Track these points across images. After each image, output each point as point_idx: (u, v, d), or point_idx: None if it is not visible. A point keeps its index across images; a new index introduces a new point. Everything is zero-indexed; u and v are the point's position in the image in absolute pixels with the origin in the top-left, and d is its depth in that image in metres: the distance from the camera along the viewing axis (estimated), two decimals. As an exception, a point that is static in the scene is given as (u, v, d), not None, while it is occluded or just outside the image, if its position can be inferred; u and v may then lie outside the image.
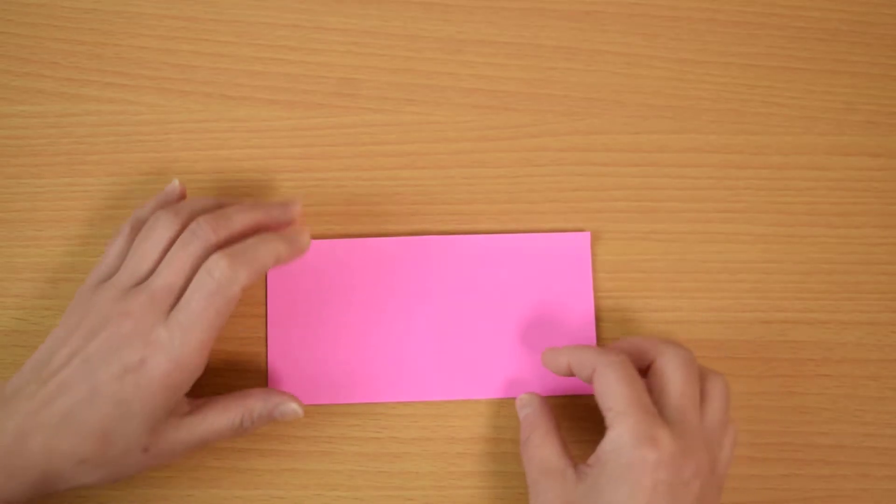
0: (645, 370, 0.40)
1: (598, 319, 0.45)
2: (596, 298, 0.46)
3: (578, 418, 0.44)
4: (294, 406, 0.41)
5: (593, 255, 0.46)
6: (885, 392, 0.45)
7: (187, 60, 0.47)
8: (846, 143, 0.48)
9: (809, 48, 0.49)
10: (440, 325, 0.45)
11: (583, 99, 0.48)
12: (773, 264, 0.46)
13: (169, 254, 0.39)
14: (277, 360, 0.44)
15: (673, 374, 0.39)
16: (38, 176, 0.46)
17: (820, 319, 0.46)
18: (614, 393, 0.38)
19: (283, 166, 0.46)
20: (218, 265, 0.37)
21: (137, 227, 0.41)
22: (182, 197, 0.43)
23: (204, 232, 0.39)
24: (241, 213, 0.40)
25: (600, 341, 0.45)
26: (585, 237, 0.46)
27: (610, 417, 0.38)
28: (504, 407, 0.44)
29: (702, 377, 0.40)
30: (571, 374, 0.41)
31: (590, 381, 0.40)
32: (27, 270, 0.45)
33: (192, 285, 0.38)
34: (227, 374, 0.44)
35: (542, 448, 0.40)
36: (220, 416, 0.40)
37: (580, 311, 0.45)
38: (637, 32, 0.49)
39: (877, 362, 0.46)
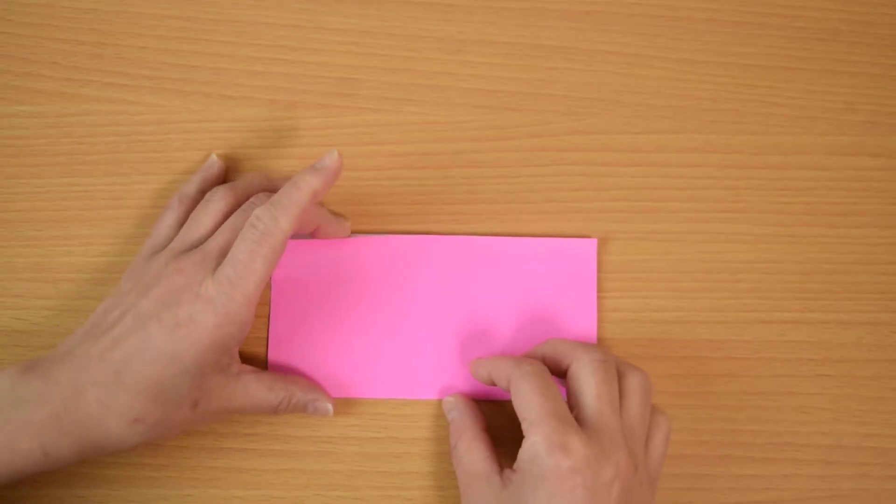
0: (563, 374, 0.41)
1: (598, 321, 0.45)
2: (597, 299, 0.46)
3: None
4: (329, 406, 0.43)
5: (593, 255, 0.46)
6: (885, 392, 0.45)
7: (187, 60, 0.47)
8: (846, 143, 0.48)
9: (809, 48, 0.49)
10: (442, 325, 0.45)
11: (583, 99, 0.48)
12: (773, 264, 0.46)
13: (226, 223, 0.40)
14: (277, 358, 0.44)
15: (587, 378, 0.39)
16: (38, 176, 0.46)
17: (820, 319, 0.46)
18: (527, 403, 0.38)
19: (283, 166, 0.46)
20: (259, 217, 0.38)
21: (185, 201, 0.43)
22: (221, 171, 0.45)
23: (261, 201, 0.40)
24: (298, 198, 0.40)
25: (601, 342, 0.45)
26: (592, 244, 0.46)
27: (525, 427, 0.38)
28: (503, 406, 0.44)
29: (620, 375, 0.40)
30: (494, 385, 0.42)
31: (508, 390, 0.40)
32: (27, 270, 0.45)
33: (236, 240, 0.38)
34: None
35: (469, 454, 0.41)
36: (264, 392, 0.41)
37: (582, 317, 0.45)
38: (637, 32, 0.49)
39: (877, 362, 0.46)
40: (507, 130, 0.47)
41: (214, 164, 0.45)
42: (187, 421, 0.39)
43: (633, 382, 0.40)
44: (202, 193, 0.44)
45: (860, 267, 0.47)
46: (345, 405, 0.44)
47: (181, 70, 0.47)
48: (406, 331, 0.45)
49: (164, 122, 0.47)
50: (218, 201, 0.42)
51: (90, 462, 0.43)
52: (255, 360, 0.45)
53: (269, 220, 0.38)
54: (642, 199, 0.47)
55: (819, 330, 0.46)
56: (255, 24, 0.48)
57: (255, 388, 0.41)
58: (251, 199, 0.41)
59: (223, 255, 0.39)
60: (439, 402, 0.44)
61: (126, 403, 0.37)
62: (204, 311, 0.38)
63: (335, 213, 0.45)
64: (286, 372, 0.44)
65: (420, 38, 0.48)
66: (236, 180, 0.44)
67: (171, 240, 0.42)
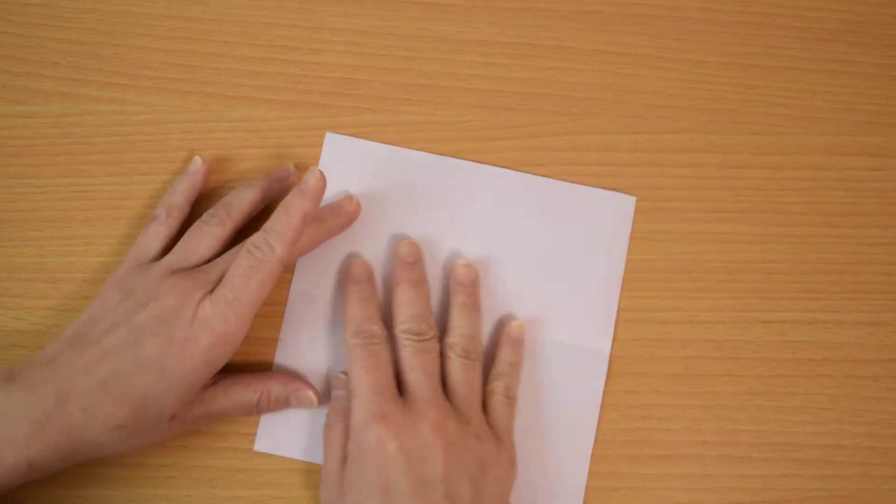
0: None
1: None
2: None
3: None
4: (310, 394, 0.43)
5: (593, 255, 0.46)
6: (885, 392, 0.45)
7: (187, 60, 0.47)
8: (846, 143, 0.48)
9: (809, 48, 0.49)
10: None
11: (583, 99, 0.48)
12: (773, 264, 0.46)
13: (235, 264, 0.39)
14: (284, 361, 0.44)
15: (402, 352, 0.42)
16: (38, 176, 0.46)
17: (820, 319, 0.46)
18: (351, 377, 0.41)
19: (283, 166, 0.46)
20: (256, 244, 0.39)
21: (172, 213, 0.43)
22: (206, 175, 0.45)
23: (269, 248, 0.40)
24: (297, 230, 0.41)
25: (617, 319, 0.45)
26: (630, 201, 0.46)
27: (350, 403, 0.41)
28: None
29: (445, 348, 0.43)
30: None
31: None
32: (27, 270, 0.45)
33: (233, 265, 0.39)
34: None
35: (340, 439, 0.41)
36: (241, 391, 0.42)
37: (607, 274, 0.45)
38: (637, 32, 0.49)
39: (877, 362, 0.46)
40: (507, 130, 0.47)
41: (199, 169, 0.45)
42: (163, 432, 0.39)
43: (455, 346, 0.42)
44: (189, 203, 0.44)
45: (860, 267, 0.47)
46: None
47: (181, 70, 0.47)
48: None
49: (164, 122, 0.47)
50: (216, 226, 0.42)
51: (90, 462, 0.43)
52: (263, 365, 0.45)
53: (265, 247, 0.39)
54: (642, 199, 0.47)
55: (819, 330, 0.46)
56: (255, 24, 0.48)
57: (233, 391, 0.41)
58: (256, 241, 0.40)
59: (220, 278, 0.40)
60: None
61: (109, 412, 0.37)
62: (200, 331, 0.38)
63: (334, 206, 0.45)
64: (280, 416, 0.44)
65: (420, 38, 0.48)
66: (228, 197, 0.44)
67: (158, 253, 0.42)
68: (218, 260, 0.41)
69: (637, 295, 0.46)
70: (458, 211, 0.46)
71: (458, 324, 0.43)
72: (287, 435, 0.44)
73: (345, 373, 0.43)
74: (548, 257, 0.45)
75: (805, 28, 0.49)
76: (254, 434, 0.44)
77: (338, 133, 0.47)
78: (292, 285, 0.45)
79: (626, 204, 0.46)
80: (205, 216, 0.43)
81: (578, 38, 0.48)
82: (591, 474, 0.44)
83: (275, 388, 0.42)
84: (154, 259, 0.42)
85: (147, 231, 0.43)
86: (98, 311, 0.40)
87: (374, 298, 0.44)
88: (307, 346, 0.44)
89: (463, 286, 0.44)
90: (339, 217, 0.44)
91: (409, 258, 0.44)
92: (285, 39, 0.48)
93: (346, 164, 0.46)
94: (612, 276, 0.46)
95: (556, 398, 0.44)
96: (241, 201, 0.43)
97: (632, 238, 0.46)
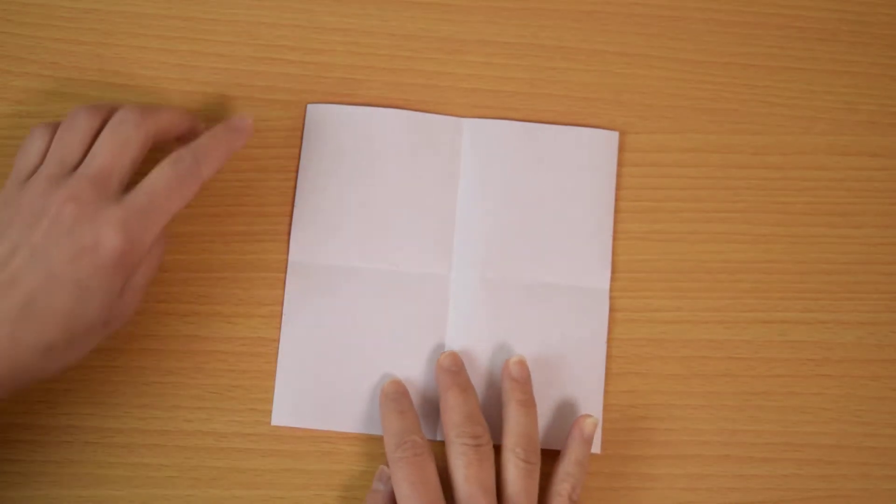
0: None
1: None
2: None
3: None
4: (243, 120, 0.42)
5: (593, 255, 0.46)
6: (885, 392, 0.45)
7: (187, 60, 0.47)
8: (846, 143, 0.48)
9: (809, 48, 0.49)
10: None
11: (583, 99, 0.48)
12: (773, 264, 0.46)
13: (99, 139, 0.39)
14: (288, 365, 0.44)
15: (455, 460, 0.40)
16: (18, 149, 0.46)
17: (820, 319, 0.46)
18: (399, 493, 0.40)
19: (282, 166, 0.46)
20: (183, 157, 0.39)
21: (54, 127, 0.41)
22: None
23: (133, 116, 0.40)
24: (167, 110, 0.41)
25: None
26: (613, 136, 0.47)
27: None
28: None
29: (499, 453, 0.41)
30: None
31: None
32: (27, 270, 0.45)
33: (154, 173, 0.39)
34: (230, 374, 0.44)
35: None
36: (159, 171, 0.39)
37: (597, 213, 0.46)
38: (637, 32, 0.49)
39: (877, 362, 0.46)
40: (507, 130, 0.47)
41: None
42: (100, 336, 0.39)
43: (515, 449, 0.41)
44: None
45: (860, 267, 0.47)
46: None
47: (181, 70, 0.47)
48: (416, 362, 0.45)
49: (164, 122, 0.47)
50: (84, 120, 0.40)
51: (90, 462, 0.43)
52: (263, 365, 0.45)
53: (192, 162, 0.39)
54: (642, 199, 0.47)
55: (819, 330, 0.46)
56: (255, 24, 0.48)
57: (158, 249, 0.40)
58: (119, 114, 0.40)
59: (111, 177, 0.38)
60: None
61: (36, 335, 0.36)
62: (111, 235, 0.37)
63: (224, 126, 0.43)
64: (294, 386, 0.44)
65: (420, 38, 0.48)
66: (100, 101, 0.43)
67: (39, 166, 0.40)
68: (94, 152, 0.39)
69: (637, 295, 0.46)
70: (445, 165, 0.46)
71: (517, 422, 0.41)
72: (303, 406, 0.44)
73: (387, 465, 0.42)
74: (538, 201, 0.46)
75: (805, 28, 0.49)
76: (254, 434, 0.44)
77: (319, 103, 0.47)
78: (290, 257, 0.45)
79: (610, 139, 0.47)
80: (70, 112, 0.41)
81: (578, 38, 0.48)
82: (591, 474, 0.44)
83: (186, 156, 0.40)
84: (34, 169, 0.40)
85: (27, 146, 0.41)
86: None
87: (412, 410, 0.43)
88: (312, 319, 0.44)
89: (518, 382, 0.43)
90: (235, 134, 0.42)
91: (452, 367, 0.43)
92: (285, 39, 0.48)
93: (331, 132, 0.46)
94: (604, 212, 0.46)
95: (561, 341, 0.45)
96: (109, 104, 0.41)
97: (632, 238, 0.46)
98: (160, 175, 0.39)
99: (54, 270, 0.37)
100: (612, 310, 0.46)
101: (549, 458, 0.43)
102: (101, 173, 0.38)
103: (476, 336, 0.45)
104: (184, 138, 0.43)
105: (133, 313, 0.40)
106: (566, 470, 0.41)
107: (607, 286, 0.45)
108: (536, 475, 0.41)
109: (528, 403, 0.42)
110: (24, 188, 0.39)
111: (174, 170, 0.39)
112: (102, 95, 0.47)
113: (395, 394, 0.43)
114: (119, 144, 0.39)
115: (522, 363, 0.43)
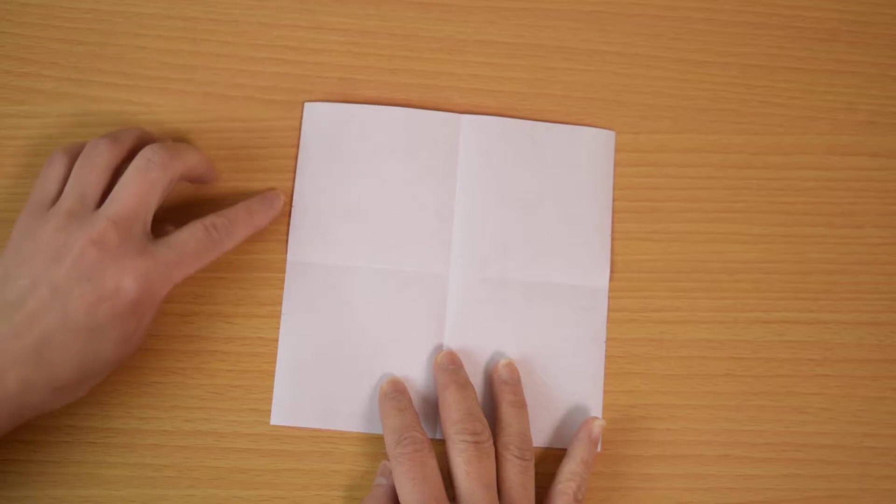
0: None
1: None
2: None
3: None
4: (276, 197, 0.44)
5: (593, 255, 0.46)
6: (885, 392, 0.45)
7: (187, 60, 0.47)
8: (846, 143, 0.48)
9: (809, 48, 0.49)
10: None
11: (583, 99, 0.48)
12: (773, 264, 0.46)
13: (125, 177, 0.39)
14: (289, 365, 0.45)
15: (456, 457, 0.41)
16: (38, 176, 0.46)
17: (820, 319, 0.46)
18: (400, 489, 0.40)
19: (282, 166, 0.46)
20: (216, 224, 0.40)
21: (71, 152, 0.41)
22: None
23: (161, 158, 0.40)
24: (192, 152, 0.42)
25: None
26: (610, 136, 0.47)
27: None
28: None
29: (499, 450, 0.42)
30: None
31: None
32: (27, 270, 0.45)
33: (186, 231, 0.40)
34: (230, 373, 0.44)
35: None
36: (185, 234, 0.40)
37: (596, 212, 0.46)
38: (637, 32, 0.49)
39: (877, 362, 0.46)
40: (507, 130, 0.47)
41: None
42: (109, 371, 0.39)
43: (510, 446, 0.41)
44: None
45: (860, 267, 0.47)
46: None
47: (181, 70, 0.47)
48: (413, 363, 0.45)
49: (164, 122, 0.47)
50: (104, 154, 0.40)
51: (90, 462, 0.43)
52: (263, 365, 0.45)
53: (224, 235, 0.41)
54: (642, 199, 0.47)
55: (819, 330, 0.46)
56: (255, 24, 0.48)
57: (175, 240, 0.40)
58: (145, 153, 0.40)
59: (136, 219, 0.39)
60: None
61: (48, 377, 0.37)
62: (132, 286, 0.38)
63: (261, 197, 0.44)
64: (294, 385, 0.44)
65: (420, 38, 0.48)
66: (119, 130, 0.43)
67: (58, 195, 0.40)
68: (117, 194, 0.39)
69: (636, 295, 0.46)
70: (444, 162, 0.46)
71: (510, 422, 0.42)
72: (302, 406, 0.44)
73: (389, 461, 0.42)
74: (537, 200, 0.46)
75: (805, 28, 0.49)
76: (254, 434, 0.44)
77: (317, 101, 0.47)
78: (288, 257, 0.45)
79: (606, 138, 0.47)
80: (88, 146, 0.41)
81: (578, 38, 0.48)
82: (591, 474, 0.44)
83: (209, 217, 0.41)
84: (55, 201, 0.40)
85: (46, 174, 0.41)
86: (12, 266, 0.38)
87: (411, 407, 0.43)
88: (311, 319, 0.44)
89: (508, 384, 0.43)
90: (268, 210, 0.44)
91: (450, 365, 0.43)
92: (285, 39, 0.48)
93: (328, 130, 0.46)
94: (602, 211, 0.46)
95: (560, 340, 0.45)
96: (130, 129, 0.42)
97: (632, 238, 0.46)
98: (192, 236, 0.39)
99: (71, 315, 0.37)
100: (611, 309, 0.46)
101: (547, 457, 0.43)
102: (126, 217, 0.38)
103: (474, 335, 0.45)
104: (197, 180, 0.44)
105: (138, 350, 0.41)
106: (572, 469, 0.42)
107: (606, 286, 0.45)
108: (532, 471, 0.41)
109: (520, 404, 0.43)
110: (45, 221, 0.39)
111: (208, 236, 0.40)
112: (103, 95, 0.47)
113: (393, 391, 0.43)
114: (146, 187, 0.39)
115: (511, 366, 0.44)
